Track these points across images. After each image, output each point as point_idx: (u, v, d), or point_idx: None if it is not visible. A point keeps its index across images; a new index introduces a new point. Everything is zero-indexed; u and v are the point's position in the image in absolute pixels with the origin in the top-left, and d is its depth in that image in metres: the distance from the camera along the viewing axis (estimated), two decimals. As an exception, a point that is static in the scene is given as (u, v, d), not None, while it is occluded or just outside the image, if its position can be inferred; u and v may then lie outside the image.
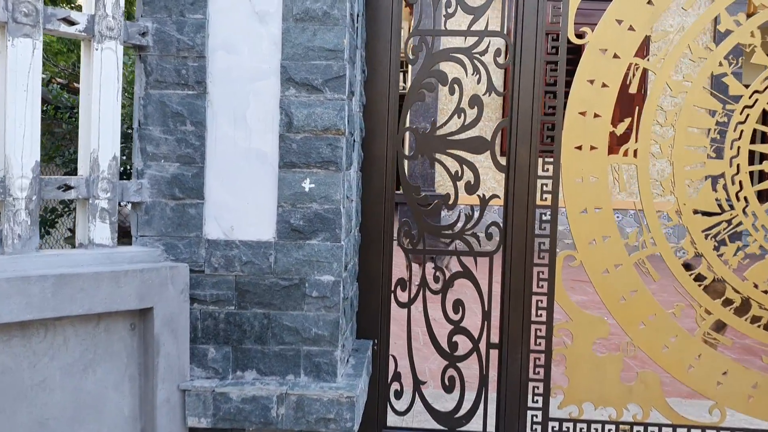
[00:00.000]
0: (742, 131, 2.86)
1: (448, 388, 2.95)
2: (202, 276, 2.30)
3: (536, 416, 2.91)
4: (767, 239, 2.87)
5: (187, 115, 2.27)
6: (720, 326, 3.34)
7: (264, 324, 2.31)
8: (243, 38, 2.27)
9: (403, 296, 2.94)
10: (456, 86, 2.90)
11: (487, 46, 2.85)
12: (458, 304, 2.94)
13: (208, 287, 2.31)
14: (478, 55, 2.84)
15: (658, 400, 2.89)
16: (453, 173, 2.93)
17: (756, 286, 2.89)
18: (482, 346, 2.92)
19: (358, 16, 2.60)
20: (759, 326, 2.91)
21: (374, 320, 2.90)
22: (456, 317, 2.94)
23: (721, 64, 2.85)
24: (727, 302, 2.91)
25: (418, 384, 2.97)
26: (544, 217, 2.91)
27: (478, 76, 2.86)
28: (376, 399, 2.92)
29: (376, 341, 2.90)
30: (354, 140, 2.63)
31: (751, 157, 2.95)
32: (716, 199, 2.89)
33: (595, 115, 2.86)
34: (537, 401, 2.90)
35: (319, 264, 2.29)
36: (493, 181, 10.83)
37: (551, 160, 2.88)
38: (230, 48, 2.28)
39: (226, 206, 2.30)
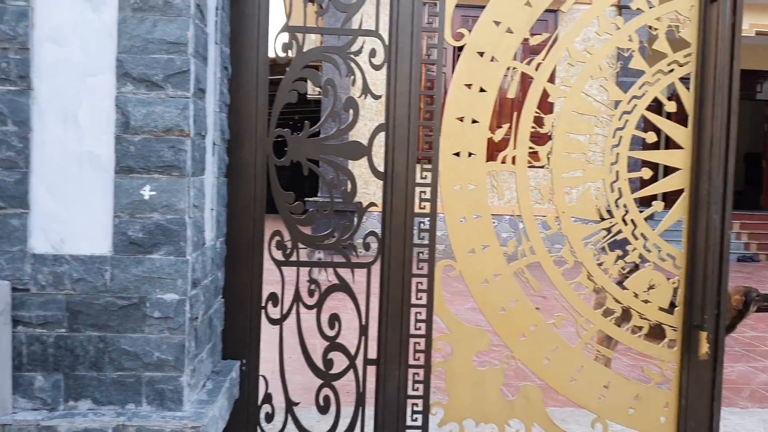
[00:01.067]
0: (621, 137, 2.81)
1: (323, 408, 2.77)
2: (28, 295, 2.04)
3: (415, 436, 2.76)
4: (647, 248, 2.83)
5: (8, 113, 2.02)
6: (610, 338, 3.30)
7: (100, 348, 2.07)
8: (74, 29, 2.03)
9: (274, 312, 2.74)
10: (330, 87, 2.74)
11: (362, 46, 2.70)
12: (334, 319, 2.77)
13: (35, 308, 2.05)
14: (352, 56, 2.68)
15: (541, 415, 2.80)
16: (329, 180, 2.76)
17: (636, 296, 2.83)
18: (359, 362, 2.76)
19: (217, 8, 2.40)
20: (639, 336, 2.85)
21: (242, 339, 2.69)
22: (332, 333, 2.76)
23: (600, 69, 2.79)
24: (609, 312, 2.84)
25: (290, 405, 2.77)
26: (423, 226, 2.78)
27: (352, 77, 2.70)
28: (245, 423, 2.71)
29: (244, 361, 2.69)
30: (214, 143, 2.42)
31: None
32: (596, 207, 2.83)
33: (473, 121, 2.74)
34: (416, 419, 2.76)
35: (162, 281, 2.06)
36: (379, 189, 10.75)
37: (430, 166, 2.74)
38: (59, 39, 2.03)
39: (55, 217, 2.05)
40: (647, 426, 2.81)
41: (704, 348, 2.70)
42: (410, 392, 2.75)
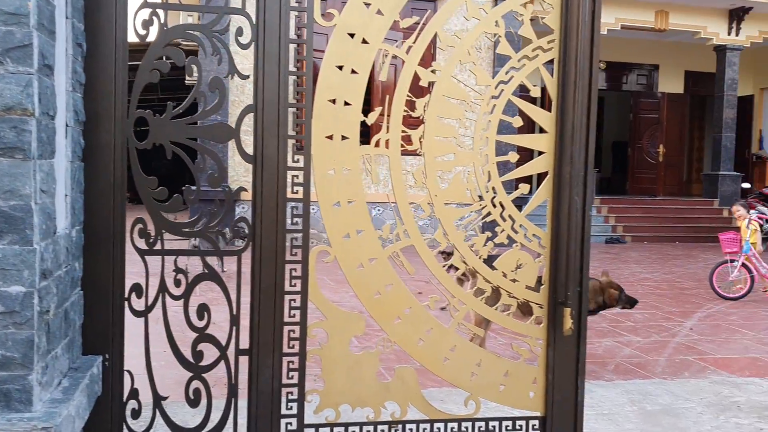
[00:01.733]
0: (489, 122, 2.87)
1: (193, 402, 2.67)
2: None
3: (291, 424, 2.72)
4: (514, 229, 2.91)
5: None
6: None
7: (-66, 348, 1.88)
8: None
9: (139, 304, 2.60)
10: (194, 67, 2.63)
11: (228, 24, 2.60)
12: (203, 310, 2.67)
13: None
14: (218, 34, 2.58)
15: (416, 396, 2.83)
16: (195, 164, 2.65)
17: (505, 275, 2.91)
18: (231, 353, 2.68)
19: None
20: (509, 314, 2.94)
21: (104, 333, 2.54)
22: (201, 324, 2.66)
23: (469, 53, 2.83)
24: (480, 292, 2.91)
25: (158, 400, 2.65)
26: (295, 211, 2.72)
27: (218, 56, 2.60)
28: (109, 421, 2.57)
29: (107, 356, 2.55)
30: (66, 125, 2.25)
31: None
32: (467, 191, 2.88)
33: (346, 103, 2.72)
34: (291, 408, 2.71)
35: (5, 272, 1.90)
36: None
37: (302, 150, 2.69)
38: None
39: None
40: (517, 401, 2.91)
41: (568, 324, 2.81)
42: (285, 381, 2.70)
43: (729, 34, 15.26)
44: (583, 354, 2.90)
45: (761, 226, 12.74)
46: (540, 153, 2.93)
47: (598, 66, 2.88)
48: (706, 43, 15.57)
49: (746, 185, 14.70)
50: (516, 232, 2.91)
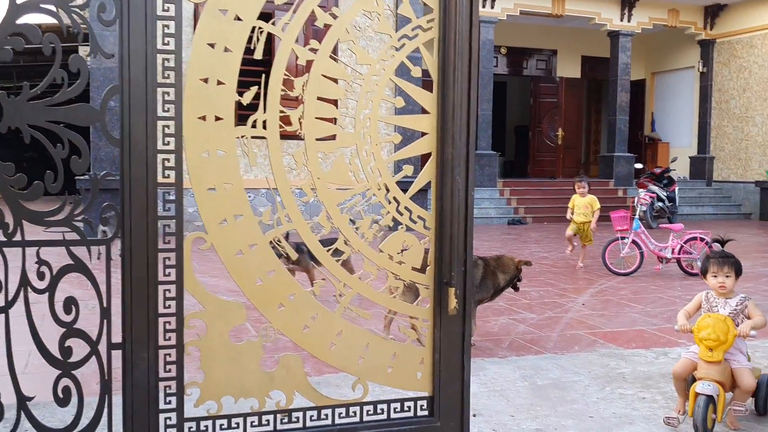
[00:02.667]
0: (371, 102, 2.82)
1: (63, 401, 2.52)
2: None
3: (170, 418, 2.60)
4: (399, 211, 2.89)
5: None
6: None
7: None
8: None
9: (-3, 299, 2.42)
10: (53, 46, 2.44)
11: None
12: (70, 303, 2.51)
13: None
14: (77, 9, 2.41)
15: (302, 384, 2.77)
16: (55, 150, 2.47)
17: (391, 258, 2.89)
18: (102, 347, 2.53)
19: None
20: (395, 297, 2.92)
21: (-44, 332, 2.34)
22: (68, 318, 2.51)
23: (347, 32, 2.77)
24: (366, 276, 2.88)
25: (23, 401, 2.48)
26: (168, 197, 2.60)
27: (78, 33, 2.43)
28: (-34, 428, 2.38)
29: (-39, 358, 2.35)
30: None
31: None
32: (351, 173, 2.83)
33: (219, 83, 2.60)
34: (170, 402, 2.60)
35: None
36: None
37: (173, 132, 2.56)
38: None
39: None
40: (405, 382, 2.90)
41: (453, 303, 2.82)
42: (162, 374, 2.58)
43: (621, 20, 15.90)
44: (468, 332, 2.92)
45: (651, 203, 13.43)
46: (424, 134, 2.91)
47: (477, 46, 2.88)
48: (600, 29, 16.18)
49: (639, 166, 15.43)
50: (401, 214, 2.88)
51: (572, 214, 8.77)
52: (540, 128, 18.29)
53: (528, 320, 5.74)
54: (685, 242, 8.10)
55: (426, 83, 2.97)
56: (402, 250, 2.89)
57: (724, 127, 16.80)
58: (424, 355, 2.90)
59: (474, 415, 3.38)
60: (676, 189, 14.37)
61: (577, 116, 18.82)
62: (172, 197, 2.58)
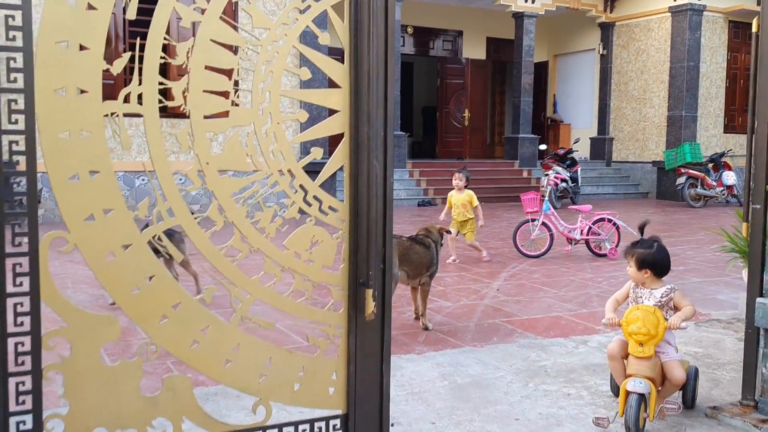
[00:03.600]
0: (271, 73, 2.39)
1: None
2: None
3: (25, 463, 2.11)
4: (307, 201, 2.48)
5: None
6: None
7: None
8: None
9: None
10: None
11: None
12: None
13: None
14: None
15: (191, 408, 2.33)
16: None
17: (298, 256, 2.48)
18: (-69, 380, 2.01)
19: None
20: (303, 301, 2.52)
21: None
22: None
23: (242, -10, 2.32)
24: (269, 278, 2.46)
25: None
26: (18, 188, 2.08)
27: None
28: None
29: None
30: None
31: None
32: (248, 156, 2.40)
33: (82, 47, 2.10)
34: (26, 442, 2.11)
35: None
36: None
37: (22, 108, 2.04)
38: None
39: None
40: (315, 400, 2.51)
41: (371, 307, 2.46)
42: (14, 408, 2.09)
43: (526, 1, 15.93)
44: (388, 339, 2.56)
45: (557, 185, 13.57)
46: (334, 112, 2.51)
47: (394, 8, 2.50)
48: (505, 9, 16.16)
49: (543, 147, 15.59)
50: (309, 204, 2.48)
51: (450, 212, 7.92)
52: (447, 109, 18.20)
53: (444, 309, 5.47)
54: (594, 223, 8.09)
55: (336, 53, 2.57)
56: (311, 247, 2.49)
57: (623, 108, 17.24)
58: (337, 368, 2.52)
59: (392, 425, 3.04)
60: (579, 169, 14.61)
61: (482, 98, 18.85)
62: (24, 189, 2.07)
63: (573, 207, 8.40)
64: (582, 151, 17.30)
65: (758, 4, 13.63)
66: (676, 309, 3.36)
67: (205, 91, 2.28)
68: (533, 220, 8.04)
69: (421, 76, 21.18)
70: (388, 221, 2.50)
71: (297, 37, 2.40)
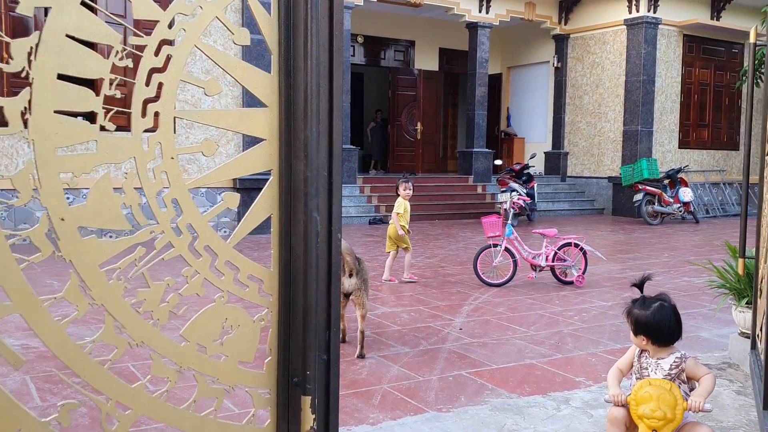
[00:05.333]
0: (162, 85, 1.64)
1: None
2: None
3: None
4: (217, 269, 1.73)
5: None
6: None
7: None
8: None
9: None
10: None
11: None
12: None
13: None
14: None
15: None
16: None
17: (203, 349, 1.73)
18: None
19: None
20: (212, 414, 1.76)
21: None
22: None
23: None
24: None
25: None
26: None
27: None
28: None
29: None
30: None
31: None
32: (126, 207, 1.63)
33: None
34: None
35: None
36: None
37: None
38: None
39: None
40: None
41: (309, 421, 1.71)
42: None
43: (480, 11, 15.47)
44: (335, 458, 1.83)
45: (520, 207, 13.06)
46: (258, 140, 1.78)
47: (342, 7, 1.79)
48: (459, 20, 15.66)
49: (499, 162, 15.08)
50: (221, 274, 1.73)
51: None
52: (399, 122, 17.57)
53: (401, 356, 4.75)
54: (559, 248, 7.51)
55: (257, 58, 1.83)
56: (222, 336, 1.74)
57: (578, 122, 16.90)
58: (261, 508, 1.77)
59: None
60: (535, 186, 14.14)
61: (435, 110, 18.30)
62: None
63: (537, 231, 7.80)
64: (536, 165, 16.89)
65: (712, 18, 13.44)
66: (689, 379, 2.72)
67: (57, 111, 1.52)
68: (495, 245, 7.41)
69: (371, 86, 20.55)
70: (333, 295, 1.77)
71: (200, 33, 1.65)
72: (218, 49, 1.75)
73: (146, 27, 1.63)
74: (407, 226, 7.47)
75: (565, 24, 16.82)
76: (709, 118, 16.82)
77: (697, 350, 5.03)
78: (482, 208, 15.04)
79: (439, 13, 16.00)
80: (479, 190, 15.63)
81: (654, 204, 14.27)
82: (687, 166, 15.70)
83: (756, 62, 15.24)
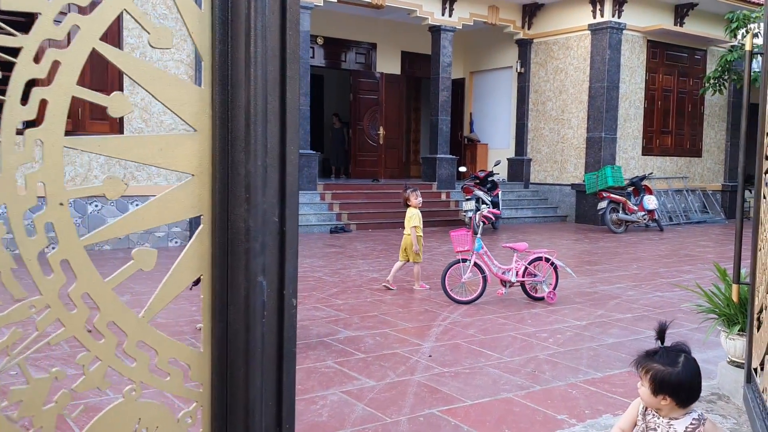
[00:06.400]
0: (45, 103, 1.17)
1: None
2: None
3: None
4: (127, 353, 1.27)
5: None
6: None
7: None
8: None
9: None
10: None
11: None
12: None
13: None
14: None
15: None
16: None
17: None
18: None
19: None
20: None
21: None
22: None
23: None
24: None
25: None
26: None
27: None
28: None
29: None
30: None
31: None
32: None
33: None
34: None
35: None
36: None
37: None
38: None
39: None
40: None
41: None
42: None
43: (443, 14, 15.14)
44: None
45: (477, 209, 12.73)
46: (186, 176, 1.32)
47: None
48: (421, 22, 15.31)
49: (463, 169, 14.75)
50: (131, 360, 1.27)
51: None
52: (361, 126, 17.13)
53: (365, 392, 4.30)
54: (530, 263, 7.16)
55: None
56: (133, 443, 1.28)
57: (541, 129, 16.70)
58: None
59: None
60: (500, 193, 13.86)
61: (397, 114, 17.90)
62: None
63: (507, 245, 7.44)
64: (500, 173, 16.63)
65: (676, 24, 13.30)
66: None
67: None
68: (464, 260, 7.02)
69: (332, 89, 20.08)
70: (286, 385, 1.33)
71: (99, 32, 1.19)
72: (135, 55, 1.29)
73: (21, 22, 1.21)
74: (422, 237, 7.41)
75: (529, 29, 16.61)
76: (673, 125, 16.79)
77: (681, 378, 4.70)
78: (447, 216, 14.69)
79: (402, 16, 15.63)
80: (443, 197, 15.29)
81: (618, 212, 14.11)
82: (651, 173, 15.61)
83: (719, 68, 15.27)
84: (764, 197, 3.75)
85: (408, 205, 7.61)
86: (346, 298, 7.17)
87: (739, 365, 4.36)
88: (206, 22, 1.29)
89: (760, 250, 3.83)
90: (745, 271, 4.11)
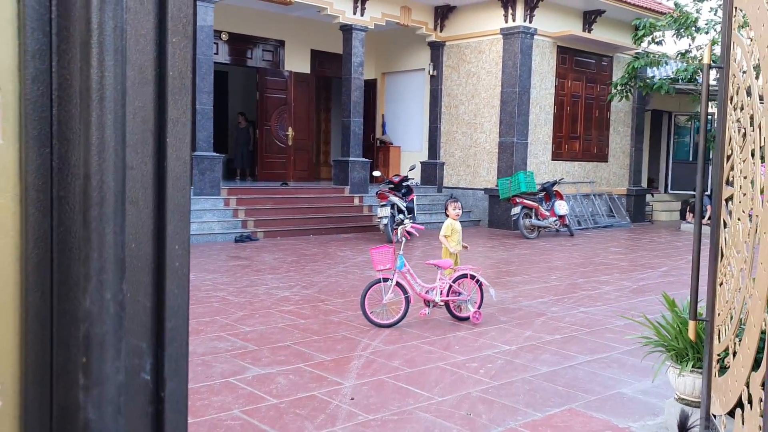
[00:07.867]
0: None
1: None
2: None
3: None
4: None
5: None
6: None
7: None
8: None
9: None
10: None
11: None
12: None
13: None
14: None
15: None
16: None
17: None
18: None
19: None
20: None
21: None
22: None
23: None
24: None
25: None
26: None
27: None
28: None
29: None
30: None
31: None
32: None
33: None
34: None
35: None
36: None
37: None
38: None
39: None
40: None
41: None
42: None
43: (355, 13, 14.58)
44: None
45: (392, 216, 12.26)
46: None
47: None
48: (332, 21, 14.69)
49: (377, 173, 14.25)
50: None
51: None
52: (268, 126, 16.32)
53: (280, 453, 3.67)
54: (454, 281, 6.71)
55: None
56: None
57: (454, 132, 16.45)
58: None
59: None
60: (414, 198, 13.44)
61: (307, 115, 17.20)
62: None
63: (431, 263, 6.96)
64: (415, 177, 16.25)
65: (584, 30, 13.22)
66: None
67: None
68: (385, 280, 6.48)
69: (237, 87, 19.13)
70: None
71: None
72: None
73: None
74: (461, 243, 7.04)
75: (441, 31, 16.31)
76: (581, 130, 16.93)
77: (625, 415, 4.34)
78: (360, 222, 14.15)
79: (311, 13, 14.96)
80: (356, 201, 14.74)
81: (531, 218, 14.02)
82: (563, 179, 15.65)
83: (626, 75, 15.45)
84: (725, 225, 3.39)
85: (447, 215, 7.17)
86: (254, 323, 6.46)
87: (688, 403, 4.02)
88: None
89: (721, 284, 3.47)
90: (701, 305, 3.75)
